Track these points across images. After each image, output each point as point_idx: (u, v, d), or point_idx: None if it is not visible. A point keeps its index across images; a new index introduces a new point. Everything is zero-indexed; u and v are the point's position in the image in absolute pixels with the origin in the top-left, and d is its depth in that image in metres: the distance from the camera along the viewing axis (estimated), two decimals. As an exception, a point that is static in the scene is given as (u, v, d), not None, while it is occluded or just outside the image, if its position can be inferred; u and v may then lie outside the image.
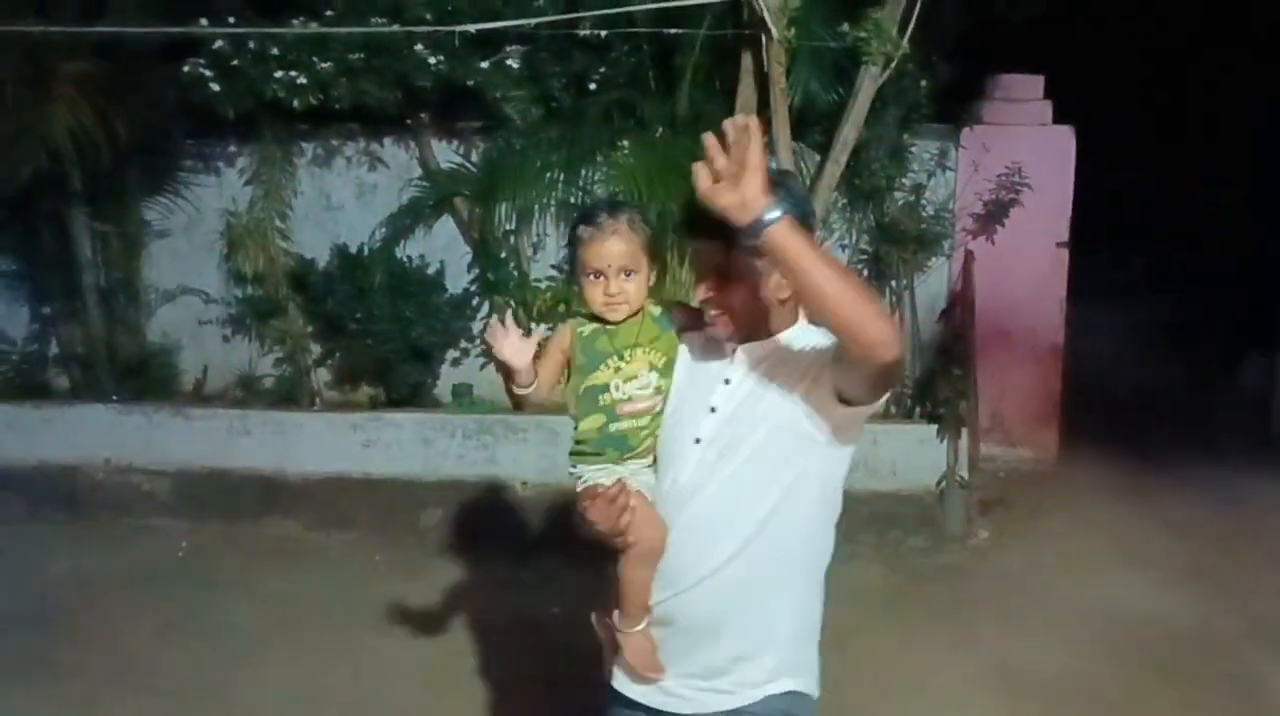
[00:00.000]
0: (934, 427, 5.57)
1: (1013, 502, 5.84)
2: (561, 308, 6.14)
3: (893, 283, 6.20)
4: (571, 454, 2.17)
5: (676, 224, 2.15)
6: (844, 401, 1.91)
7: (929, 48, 5.64)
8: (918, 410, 6.01)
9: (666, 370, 2.12)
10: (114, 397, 6.23)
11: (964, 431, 5.58)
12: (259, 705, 3.98)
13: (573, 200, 6.14)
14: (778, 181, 1.79)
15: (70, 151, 5.86)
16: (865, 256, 6.19)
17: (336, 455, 5.82)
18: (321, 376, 6.61)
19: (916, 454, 5.53)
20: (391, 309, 6.09)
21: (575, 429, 2.15)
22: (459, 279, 6.38)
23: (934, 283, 6.28)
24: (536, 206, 6.16)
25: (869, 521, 5.42)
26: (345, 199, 6.51)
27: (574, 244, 2.10)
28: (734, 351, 2.05)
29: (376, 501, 5.71)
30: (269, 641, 4.43)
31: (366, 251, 6.30)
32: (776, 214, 1.70)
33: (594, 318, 2.13)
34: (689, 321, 2.15)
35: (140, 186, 6.53)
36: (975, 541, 5.49)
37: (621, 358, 2.10)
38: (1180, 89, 9.65)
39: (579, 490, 2.12)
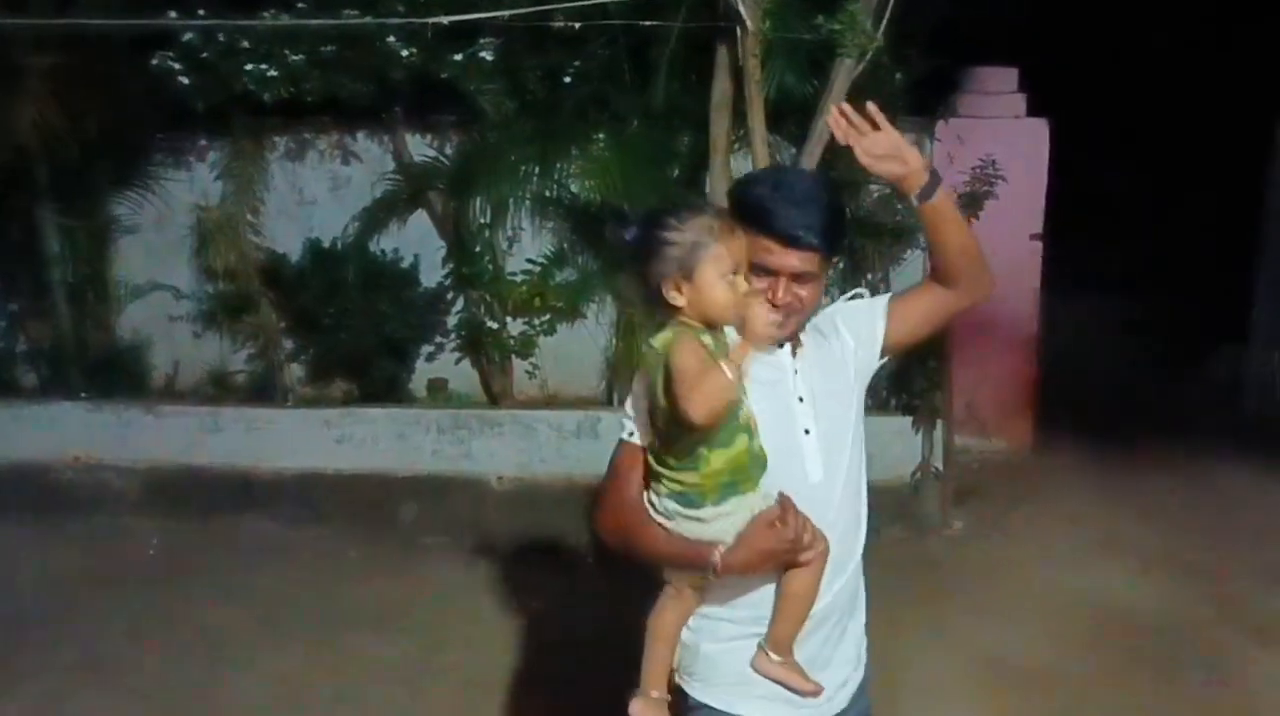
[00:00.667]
0: (909, 419, 5.59)
1: (988, 493, 5.87)
2: (537, 302, 6.14)
3: (868, 275, 6.21)
4: (705, 491, 1.89)
5: (761, 221, 1.91)
6: (883, 355, 2.14)
7: (904, 40, 5.65)
8: (893, 402, 6.03)
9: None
10: (83, 395, 6.15)
11: (939, 422, 5.61)
12: (234, 704, 3.95)
13: (548, 193, 6.12)
14: None
15: (37, 146, 5.78)
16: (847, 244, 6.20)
17: (310, 451, 5.78)
18: (294, 372, 6.55)
19: (892, 445, 5.54)
20: (365, 303, 6.05)
21: (706, 462, 1.86)
22: (433, 273, 6.35)
23: (909, 274, 6.28)
24: (511, 200, 6.13)
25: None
26: (318, 193, 6.45)
27: (694, 242, 1.84)
28: (782, 346, 2.04)
29: (351, 497, 5.67)
30: (243, 639, 4.39)
31: (340, 246, 6.25)
32: (939, 178, 1.99)
33: (692, 325, 1.87)
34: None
35: (109, 181, 6.43)
36: (951, 532, 5.51)
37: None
38: (1157, 85, 9.72)
39: (737, 525, 1.89)
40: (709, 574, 1.92)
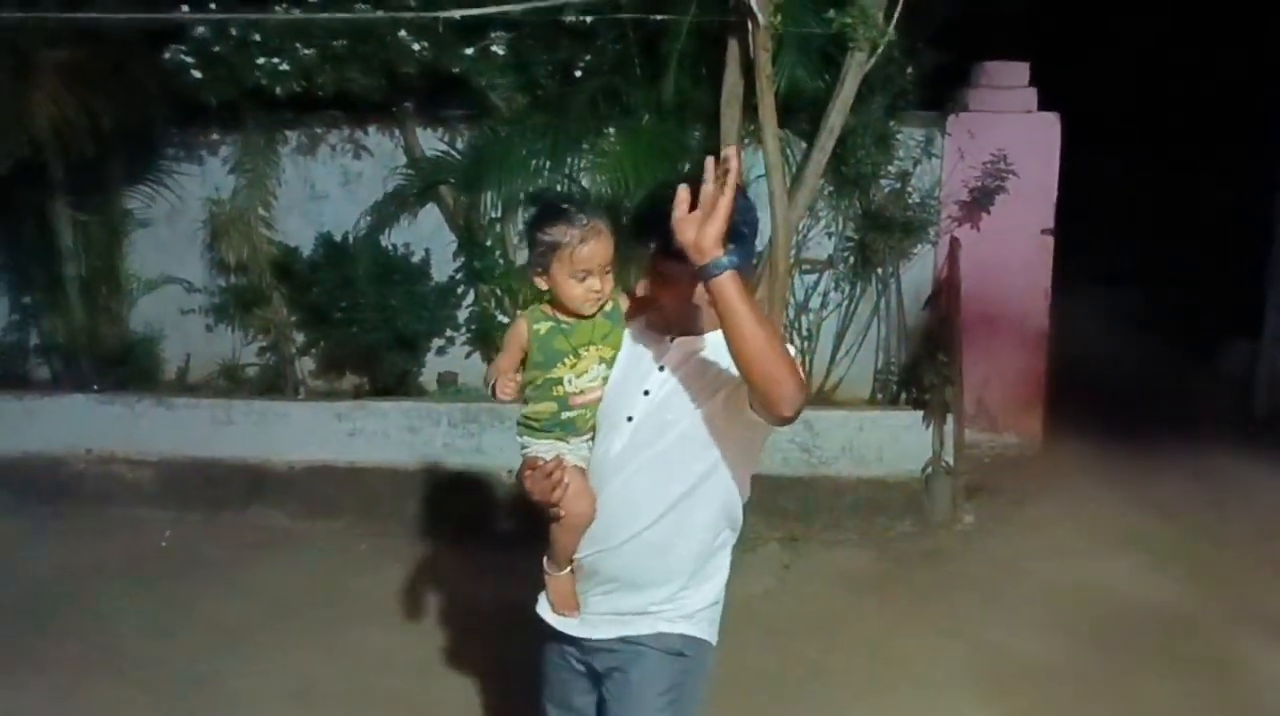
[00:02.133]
0: (919, 414, 5.59)
1: (998, 488, 5.87)
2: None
3: (879, 270, 6.21)
4: (520, 425, 2.38)
5: (624, 224, 2.28)
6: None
7: (915, 34, 5.64)
8: (903, 396, 6.03)
9: (613, 362, 2.34)
10: (96, 388, 6.18)
11: (949, 417, 5.60)
12: (245, 694, 3.97)
13: (559, 188, 6.12)
14: (735, 229, 1.99)
15: (51, 140, 5.80)
16: (851, 243, 6.19)
17: (321, 444, 5.79)
18: (306, 365, 6.58)
19: (902, 440, 5.54)
20: (376, 297, 6.06)
21: (525, 404, 2.35)
22: (444, 267, 6.36)
23: (920, 270, 6.29)
24: (522, 194, 6.12)
25: (855, 507, 5.45)
26: (329, 187, 6.47)
27: (552, 242, 2.21)
28: (671, 341, 2.29)
29: (362, 490, 5.69)
30: (255, 631, 4.41)
31: (351, 240, 6.27)
32: (724, 265, 1.94)
33: (552, 313, 2.29)
34: (636, 307, 2.37)
35: (122, 175, 6.46)
36: (961, 526, 5.51)
37: (576, 355, 2.29)
38: (1169, 78, 9.68)
39: (523, 459, 2.37)
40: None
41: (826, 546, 5.22)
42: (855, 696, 3.93)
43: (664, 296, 2.24)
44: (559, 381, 2.29)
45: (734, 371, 2.09)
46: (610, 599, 2.36)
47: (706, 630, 2.40)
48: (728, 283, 1.94)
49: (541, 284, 2.28)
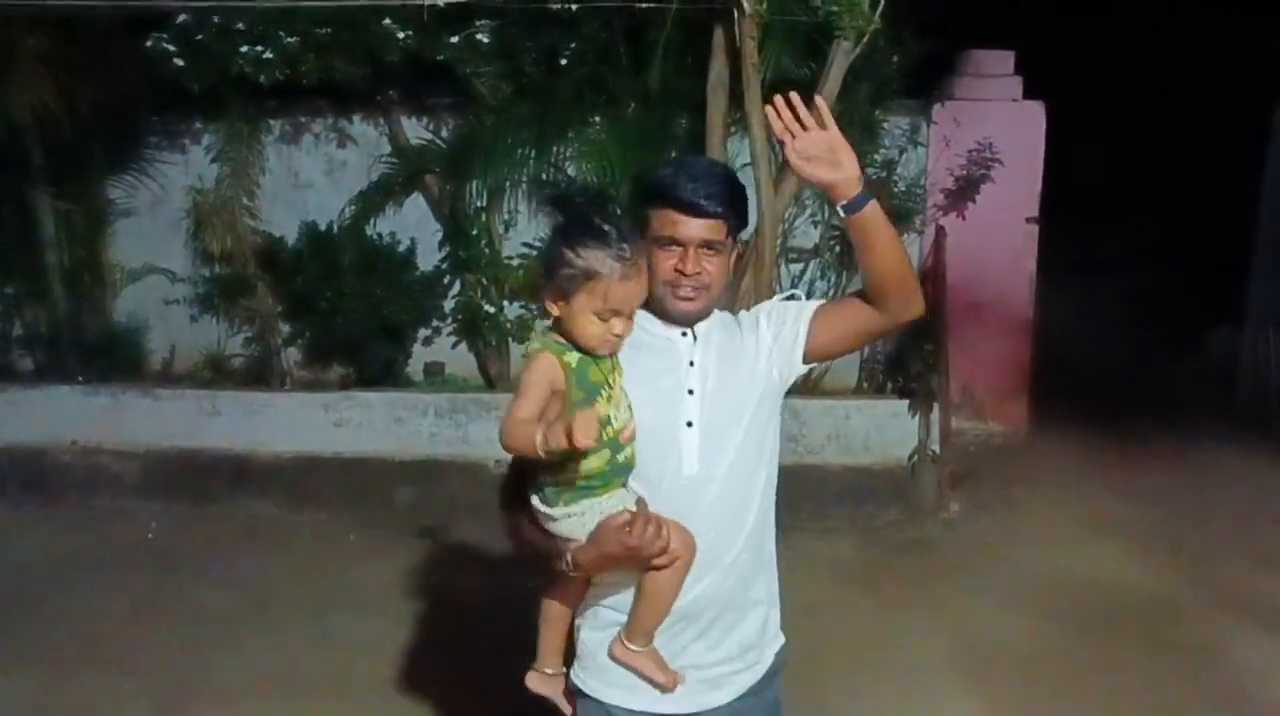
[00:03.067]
0: (905, 402, 5.60)
1: (983, 476, 5.89)
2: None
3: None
4: (560, 489, 1.92)
5: (667, 196, 1.98)
6: (807, 360, 2.09)
7: (900, 23, 5.63)
8: (889, 385, 6.04)
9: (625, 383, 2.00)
10: (80, 379, 6.15)
11: (935, 406, 5.62)
12: (233, 685, 3.96)
13: (544, 177, 6.11)
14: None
15: (32, 128, 5.77)
16: (837, 232, 6.19)
17: (308, 435, 5.78)
18: (291, 356, 6.56)
19: (888, 428, 5.56)
20: (362, 287, 6.05)
21: (559, 468, 1.89)
22: (430, 257, 6.34)
23: (904, 259, 6.29)
24: (508, 183, 6.13)
25: (841, 495, 5.46)
26: (314, 176, 6.45)
27: (585, 269, 1.84)
28: (683, 335, 2.06)
29: (349, 481, 5.68)
30: (242, 622, 4.41)
31: (336, 229, 6.25)
32: (872, 193, 1.92)
33: (567, 342, 1.91)
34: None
35: (104, 164, 6.43)
36: (946, 514, 5.53)
37: (610, 386, 1.93)
38: (1155, 66, 9.70)
39: (573, 529, 1.93)
40: (564, 568, 1.96)
41: (813, 534, 5.22)
42: (841, 683, 3.94)
43: (716, 273, 2.00)
44: (607, 421, 1.88)
45: (776, 327, 2.07)
46: (731, 634, 2.07)
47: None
48: (877, 205, 1.95)
49: (554, 309, 1.91)
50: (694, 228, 1.97)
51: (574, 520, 1.92)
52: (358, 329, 6.10)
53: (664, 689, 2.02)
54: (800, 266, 6.24)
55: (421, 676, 4.01)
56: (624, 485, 1.96)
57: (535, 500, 1.96)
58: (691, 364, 2.04)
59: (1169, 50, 9.57)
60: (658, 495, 1.97)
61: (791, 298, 2.16)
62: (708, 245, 1.98)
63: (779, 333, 2.09)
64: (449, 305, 6.38)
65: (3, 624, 4.38)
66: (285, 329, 6.51)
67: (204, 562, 5.01)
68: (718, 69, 5.47)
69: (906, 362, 5.82)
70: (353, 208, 6.29)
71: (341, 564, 4.99)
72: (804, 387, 6.10)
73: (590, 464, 1.88)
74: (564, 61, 5.89)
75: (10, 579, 4.81)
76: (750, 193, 5.09)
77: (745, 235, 5.28)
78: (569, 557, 1.94)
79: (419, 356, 6.43)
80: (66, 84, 5.74)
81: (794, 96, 1.94)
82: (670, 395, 2.02)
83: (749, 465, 2.05)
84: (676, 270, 1.98)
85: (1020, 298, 6.42)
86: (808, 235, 6.22)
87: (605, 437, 1.86)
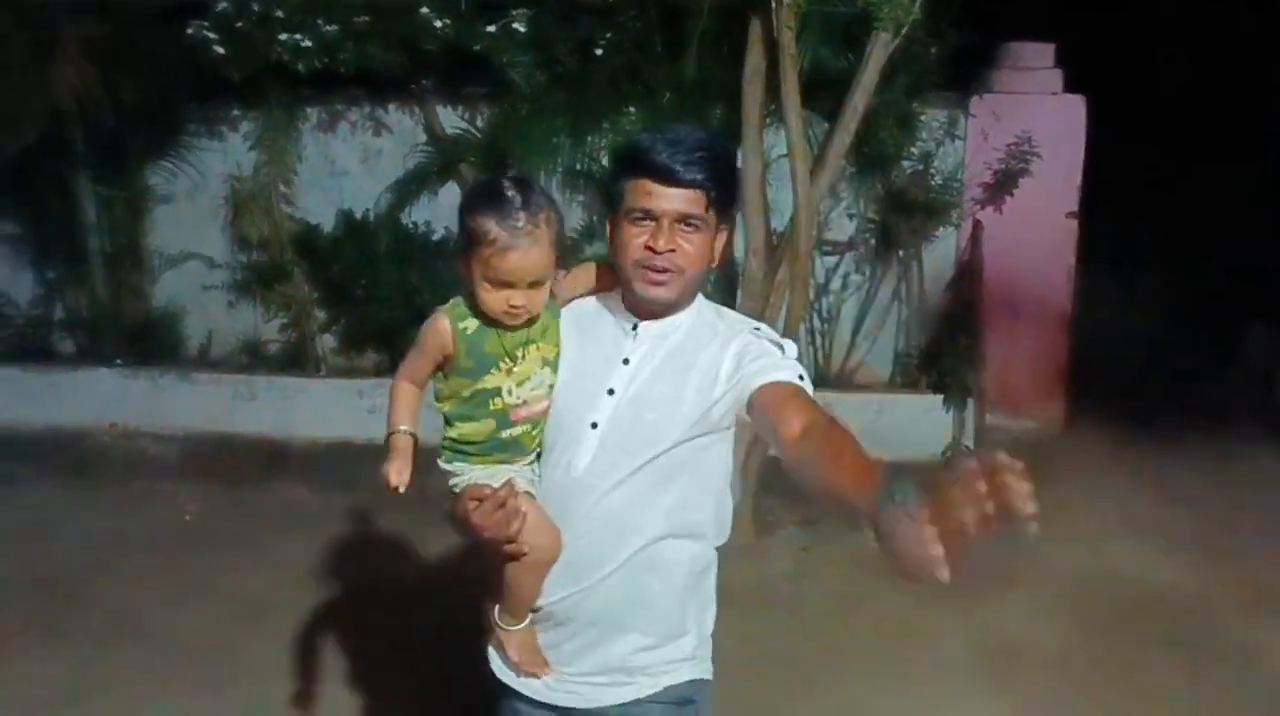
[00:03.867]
0: (940, 397, 5.57)
1: (1018, 472, 5.83)
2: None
3: (900, 252, 6.18)
4: (446, 450, 1.90)
5: (640, 163, 1.78)
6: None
7: (939, 14, 5.58)
8: (923, 380, 6.00)
9: (557, 363, 1.89)
10: (119, 362, 6.23)
11: (970, 401, 5.58)
12: (264, 667, 3.99)
13: (579, 167, 6.11)
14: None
15: (74, 114, 5.83)
16: (873, 225, 6.16)
17: (342, 421, 5.83)
18: (326, 342, 6.61)
19: (922, 423, 5.53)
20: (397, 275, 6.08)
21: (449, 424, 1.89)
22: (464, 246, 6.36)
23: (942, 252, 6.25)
24: (542, 173, 6.12)
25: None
26: (350, 164, 6.48)
27: (475, 237, 1.75)
28: (634, 328, 1.89)
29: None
30: (275, 604, 4.45)
31: (371, 217, 6.29)
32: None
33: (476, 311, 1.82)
34: (587, 283, 1.97)
35: (144, 151, 6.51)
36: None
37: (514, 359, 1.83)
38: (1196, 60, 9.56)
39: (456, 489, 1.89)
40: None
41: (845, 529, 5.20)
42: (872, 678, 3.93)
43: (692, 256, 1.80)
44: (496, 392, 1.82)
45: (725, 372, 1.82)
46: (594, 652, 1.91)
47: (708, 666, 2.01)
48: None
49: (463, 275, 1.82)
50: (669, 198, 1.76)
51: (450, 477, 1.91)
52: (392, 316, 6.13)
53: (517, 670, 1.96)
54: (835, 259, 6.20)
55: (454, 662, 4.03)
56: (507, 462, 1.87)
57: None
58: (625, 362, 1.87)
59: (1212, 44, 9.42)
60: (547, 486, 1.89)
61: (779, 347, 1.86)
62: (684, 220, 1.77)
63: (736, 378, 1.81)
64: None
65: (41, 604, 4.46)
66: (321, 315, 6.56)
67: (240, 545, 5.07)
68: (754, 60, 5.42)
69: (941, 357, 5.78)
70: (388, 196, 6.32)
71: (374, 549, 5.03)
72: (837, 381, 6.09)
73: (466, 429, 1.85)
74: (599, 51, 5.88)
75: (49, 559, 4.89)
76: (785, 185, 5.12)
77: (780, 227, 5.18)
78: (446, 505, 1.92)
79: (452, 345, 6.45)
80: (108, 71, 5.80)
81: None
82: (589, 389, 1.87)
83: (649, 490, 1.84)
84: (647, 248, 1.78)
85: (1058, 293, 6.34)
86: (843, 228, 6.19)
87: (493, 409, 1.83)
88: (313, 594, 4.56)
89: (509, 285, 1.76)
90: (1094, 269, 6.69)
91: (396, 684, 3.93)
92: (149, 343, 6.49)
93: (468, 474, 1.88)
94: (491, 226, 1.73)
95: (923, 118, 6.00)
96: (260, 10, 5.67)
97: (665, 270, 1.80)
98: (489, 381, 1.82)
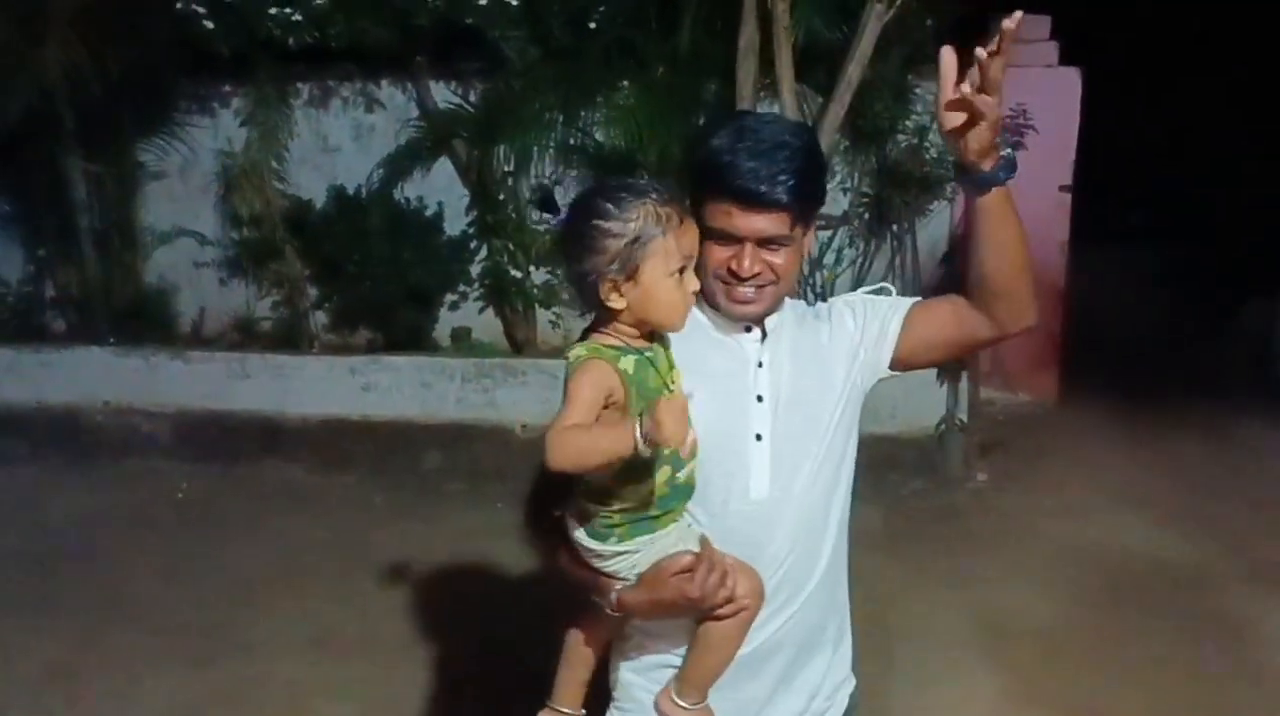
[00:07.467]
0: (933, 371, 5.56)
1: (1012, 446, 5.85)
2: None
3: (894, 226, 6.16)
4: (605, 529, 1.61)
5: (719, 183, 1.59)
6: (894, 367, 1.79)
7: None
8: (918, 354, 5.99)
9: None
10: (111, 340, 6.21)
11: (964, 375, 5.57)
12: (259, 644, 4.01)
13: (572, 142, 6.08)
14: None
15: (63, 90, 5.79)
16: (867, 199, 6.14)
17: (336, 398, 5.81)
18: (319, 319, 6.59)
19: (916, 397, 5.51)
20: (389, 251, 6.06)
21: (605, 500, 1.59)
22: (457, 221, 6.34)
23: (936, 226, 6.23)
24: (535, 148, 6.10)
25: (868, 464, 5.32)
26: (342, 140, 6.44)
27: (640, 235, 1.50)
28: (747, 330, 1.73)
29: (376, 444, 5.72)
30: (270, 582, 4.46)
31: (364, 193, 6.26)
32: (1013, 168, 1.61)
33: (623, 341, 1.56)
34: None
35: (134, 127, 6.46)
36: (974, 484, 5.50)
37: (669, 388, 1.58)
38: (1190, 31, 9.52)
39: (635, 572, 1.62)
40: (606, 609, 1.67)
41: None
42: (864, 651, 3.93)
43: (786, 269, 1.66)
44: None
45: (861, 328, 1.76)
46: (800, 680, 1.78)
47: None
48: (1009, 189, 1.62)
49: (618, 303, 1.53)
50: (752, 222, 1.60)
51: (625, 558, 1.62)
52: (385, 293, 6.11)
53: None
54: (829, 233, 6.18)
55: (446, 639, 4.04)
56: (683, 514, 1.65)
57: (580, 534, 1.64)
58: (760, 365, 1.71)
59: (1208, 13, 9.38)
60: (722, 523, 1.66)
61: (881, 291, 1.84)
62: (770, 242, 1.62)
63: (866, 329, 1.76)
64: (476, 270, 6.39)
65: (35, 581, 4.46)
66: (313, 292, 6.54)
67: (232, 522, 5.07)
68: (748, 33, 5.40)
69: (935, 331, 5.77)
70: (380, 172, 6.29)
71: (368, 525, 5.04)
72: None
73: (641, 490, 1.57)
74: (593, 25, 5.84)
75: (42, 537, 4.89)
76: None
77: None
78: (613, 598, 1.63)
79: (446, 321, 6.44)
80: (97, 47, 5.74)
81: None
82: (735, 402, 1.68)
83: (826, 487, 1.73)
84: (731, 271, 1.63)
85: (1051, 266, 6.32)
86: (837, 202, 6.17)
87: (666, 452, 1.51)
88: (304, 571, 4.57)
89: (686, 266, 1.54)
90: (1088, 242, 6.68)
91: (392, 658, 3.94)
92: (141, 320, 6.45)
93: (648, 548, 1.61)
94: (657, 210, 1.50)
95: (917, 90, 5.97)
96: (249, -16, 5.62)
97: (756, 287, 1.66)
98: (679, 398, 1.49)
